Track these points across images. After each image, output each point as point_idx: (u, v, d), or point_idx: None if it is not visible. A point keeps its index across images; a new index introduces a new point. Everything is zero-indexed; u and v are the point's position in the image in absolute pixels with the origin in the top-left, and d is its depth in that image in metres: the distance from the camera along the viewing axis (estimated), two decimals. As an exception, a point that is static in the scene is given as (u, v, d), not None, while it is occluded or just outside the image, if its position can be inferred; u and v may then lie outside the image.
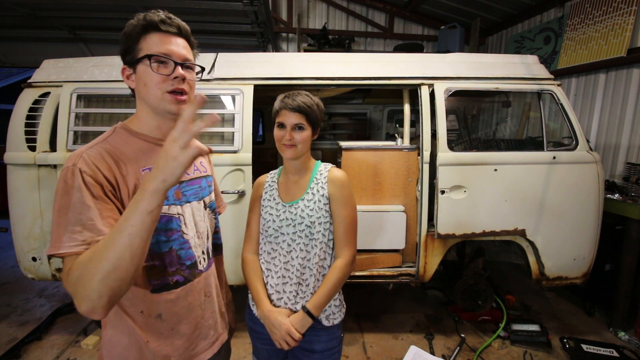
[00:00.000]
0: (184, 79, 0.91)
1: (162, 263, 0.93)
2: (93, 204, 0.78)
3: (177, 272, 0.96)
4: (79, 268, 0.72)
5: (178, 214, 0.96)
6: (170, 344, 0.97)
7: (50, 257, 2.45)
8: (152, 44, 0.88)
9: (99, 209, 0.78)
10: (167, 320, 0.96)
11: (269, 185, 1.37)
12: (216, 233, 1.17)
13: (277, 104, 1.28)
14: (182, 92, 0.91)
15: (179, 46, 0.91)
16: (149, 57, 0.87)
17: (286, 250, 1.27)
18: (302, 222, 1.25)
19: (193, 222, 1.01)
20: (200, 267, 1.03)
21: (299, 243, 1.25)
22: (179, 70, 0.89)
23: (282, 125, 1.25)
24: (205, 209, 1.08)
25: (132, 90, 0.95)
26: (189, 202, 1.00)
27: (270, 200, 1.33)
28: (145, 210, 0.71)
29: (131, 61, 0.90)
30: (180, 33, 0.93)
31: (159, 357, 0.95)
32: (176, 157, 0.71)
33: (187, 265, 0.99)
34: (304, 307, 1.22)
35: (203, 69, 1.01)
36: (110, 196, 0.83)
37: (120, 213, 0.83)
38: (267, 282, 1.30)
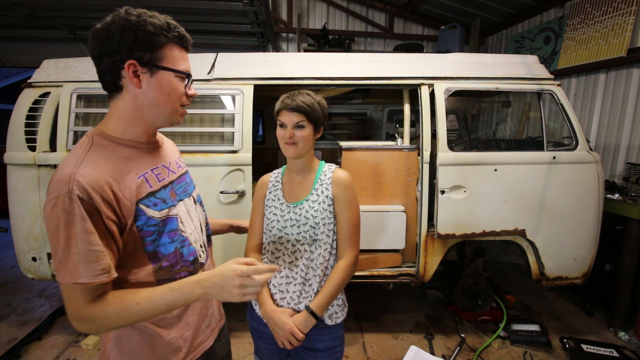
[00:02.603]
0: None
1: (169, 263, 0.95)
2: (95, 231, 0.79)
3: (183, 269, 0.98)
4: (101, 314, 0.80)
5: (175, 214, 0.98)
6: (180, 335, 0.99)
7: (50, 255, 2.45)
8: (176, 58, 0.89)
9: (102, 238, 0.80)
10: (177, 313, 0.99)
11: (273, 185, 1.37)
12: (207, 224, 1.19)
13: (277, 104, 1.29)
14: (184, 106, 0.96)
15: (190, 64, 0.95)
16: (178, 71, 0.89)
17: (291, 251, 1.28)
18: (307, 223, 1.25)
19: (189, 219, 1.03)
20: (201, 260, 1.06)
21: (304, 244, 1.26)
22: (192, 88, 0.95)
23: (283, 125, 1.26)
24: (195, 203, 1.10)
25: (121, 87, 0.88)
26: (181, 199, 1.02)
27: (274, 200, 1.33)
28: (179, 303, 0.86)
29: (149, 62, 0.85)
30: (189, 48, 0.96)
31: (171, 349, 0.97)
32: (231, 293, 0.84)
33: (191, 261, 1.01)
34: (307, 307, 1.23)
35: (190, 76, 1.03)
36: (107, 222, 0.81)
37: (114, 237, 0.83)
38: (271, 282, 1.31)
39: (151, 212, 0.90)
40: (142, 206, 0.88)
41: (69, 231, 0.76)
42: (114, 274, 0.82)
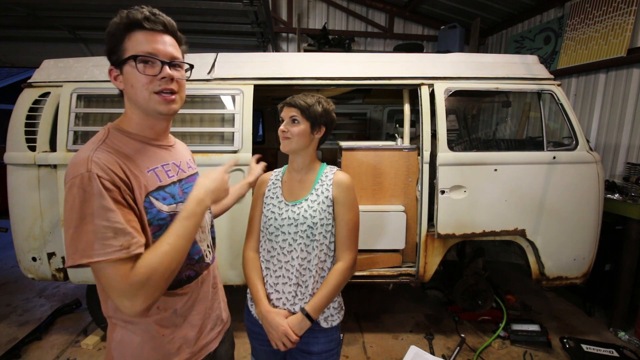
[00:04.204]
0: (172, 79, 0.89)
1: None
2: (117, 208, 0.77)
3: (188, 267, 0.98)
4: (147, 271, 0.78)
5: None
6: (183, 336, 0.98)
7: (50, 255, 2.44)
8: (137, 43, 0.85)
9: (122, 213, 0.78)
10: (181, 313, 0.98)
11: (273, 183, 1.38)
12: (212, 227, 1.20)
13: (281, 103, 1.33)
14: (171, 92, 0.89)
15: (166, 44, 0.88)
16: (134, 57, 0.84)
17: (287, 250, 1.27)
18: (305, 223, 1.25)
19: None
20: (207, 259, 1.06)
21: (300, 243, 1.25)
22: (167, 70, 0.87)
23: (282, 121, 1.30)
24: None
25: (121, 91, 0.93)
26: None
27: (273, 198, 1.33)
28: (199, 222, 0.90)
29: (117, 62, 0.87)
30: (166, 30, 0.89)
31: (173, 350, 0.96)
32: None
33: (196, 260, 1.01)
34: (302, 309, 1.22)
35: (192, 66, 0.98)
36: (128, 199, 0.82)
37: (136, 215, 0.84)
38: (266, 281, 1.30)
39: (159, 205, 0.91)
40: (152, 198, 0.89)
41: (84, 210, 0.75)
42: (135, 250, 0.78)
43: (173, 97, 0.90)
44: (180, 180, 1.00)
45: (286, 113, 1.28)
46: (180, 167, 1.03)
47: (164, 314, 0.94)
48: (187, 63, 0.95)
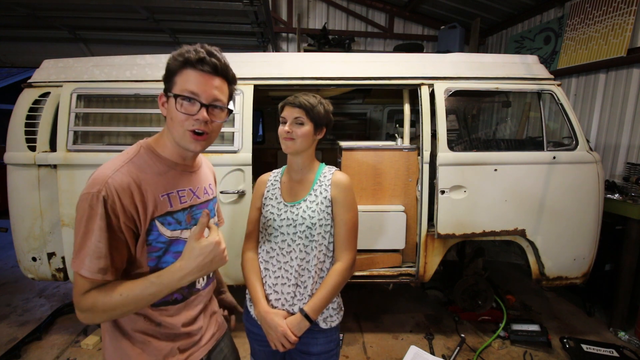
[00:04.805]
0: (206, 122, 0.93)
1: None
2: (108, 234, 0.85)
3: (177, 290, 0.97)
4: (90, 306, 0.84)
5: (187, 237, 0.99)
6: (170, 344, 1.00)
7: (50, 255, 2.45)
8: (186, 81, 0.90)
9: (110, 239, 0.85)
10: (166, 328, 1.00)
11: (272, 183, 1.37)
12: None
13: (281, 102, 1.30)
14: (202, 132, 0.94)
15: (211, 87, 0.92)
16: (175, 96, 0.90)
17: (285, 251, 1.27)
18: (303, 223, 1.24)
19: None
20: (198, 286, 1.06)
21: (299, 244, 1.25)
22: (203, 112, 0.91)
23: (284, 121, 1.27)
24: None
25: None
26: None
27: (272, 199, 1.33)
28: (163, 293, 0.88)
29: (166, 92, 0.94)
30: (216, 72, 0.93)
31: (160, 356, 0.98)
32: (222, 259, 0.93)
33: (187, 286, 1.00)
34: (301, 310, 1.21)
35: (231, 111, 1.03)
36: (124, 228, 0.88)
37: (127, 243, 0.89)
38: (265, 282, 1.30)
39: (163, 230, 0.94)
40: (157, 222, 0.93)
41: (89, 225, 0.84)
42: (109, 277, 0.86)
43: (203, 137, 0.95)
44: (191, 207, 1.02)
45: (289, 113, 1.25)
46: (195, 193, 1.05)
47: (149, 325, 0.97)
48: (227, 108, 0.99)
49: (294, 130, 1.24)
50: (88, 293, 0.85)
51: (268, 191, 1.36)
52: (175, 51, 0.93)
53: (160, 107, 0.97)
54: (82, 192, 0.86)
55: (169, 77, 0.93)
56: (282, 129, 1.26)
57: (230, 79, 0.98)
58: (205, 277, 1.09)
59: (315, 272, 1.25)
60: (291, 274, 1.25)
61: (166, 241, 0.95)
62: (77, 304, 0.86)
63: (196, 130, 0.92)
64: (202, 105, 0.91)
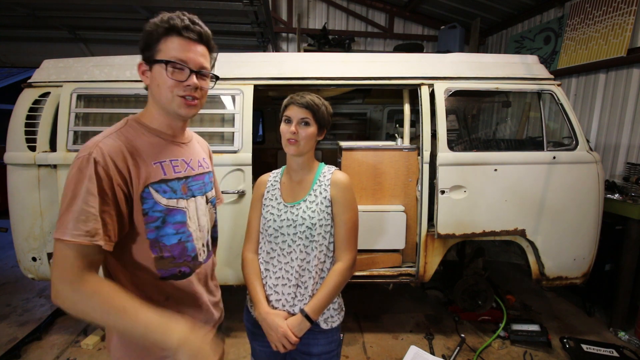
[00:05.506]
0: (196, 87, 0.94)
1: (171, 255, 0.97)
2: (98, 195, 0.82)
3: (185, 263, 1.00)
4: (93, 291, 0.79)
5: (185, 207, 1.00)
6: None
7: (50, 255, 2.45)
8: (172, 48, 0.90)
9: (99, 202, 0.82)
10: (174, 303, 1.00)
11: (272, 184, 1.36)
12: (214, 226, 1.20)
13: (285, 100, 1.27)
14: (193, 98, 0.94)
15: (197, 54, 0.93)
16: (166, 62, 0.90)
17: (286, 251, 1.26)
18: (303, 224, 1.24)
19: (196, 216, 1.05)
20: (200, 259, 1.07)
21: (299, 244, 1.25)
22: (194, 79, 0.92)
23: (288, 120, 1.24)
24: (207, 203, 1.12)
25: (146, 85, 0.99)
26: (194, 196, 1.04)
27: (272, 199, 1.33)
28: (138, 334, 0.80)
29: (149, 59, 0.93)
30: (200, 39, 0.94)
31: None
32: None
33: (192, 257, 1.03)
34: (302, 311, 1.21)
35: (217, 77, 1.03)
36: (117, 190, 0.85)
37: (119, 208, 0.86)
38: (266, 283, 1.30)
39: (158, 197, 0.94)
40: (151, 189, 0.92)
41: (76, 189, 0.81)
42: (99, 241, 0.80)
43: (194, 102, 0.96)
44: (186, 178, 1.03)
45: (295, 113, 1.22)
46: (189, 164, 1.05)
47: (157, 303, 0.95)
48: (213, 74, 1.00)
49: (299, 131, 1.22)
50: (92, 280, 0.79)
51: (268, 192, 1.35)
52: (155, 18, 0.91)
53: (141, 75, 0.95)
54: (73, 160, 0.85)
55: (151, 43, 0.91)
56: (287, 128, 1.23)
57: (211, 48, 0.99)
58: (205, 250, 1.10)
59: (316, 272, 1.25)
60: (292, 274, 1.25)
61: (163, 210, 0.94)
62: (65, 277, 0.77)
63: (187, 96, 0.93)
64: (191, 71, 0.92)
